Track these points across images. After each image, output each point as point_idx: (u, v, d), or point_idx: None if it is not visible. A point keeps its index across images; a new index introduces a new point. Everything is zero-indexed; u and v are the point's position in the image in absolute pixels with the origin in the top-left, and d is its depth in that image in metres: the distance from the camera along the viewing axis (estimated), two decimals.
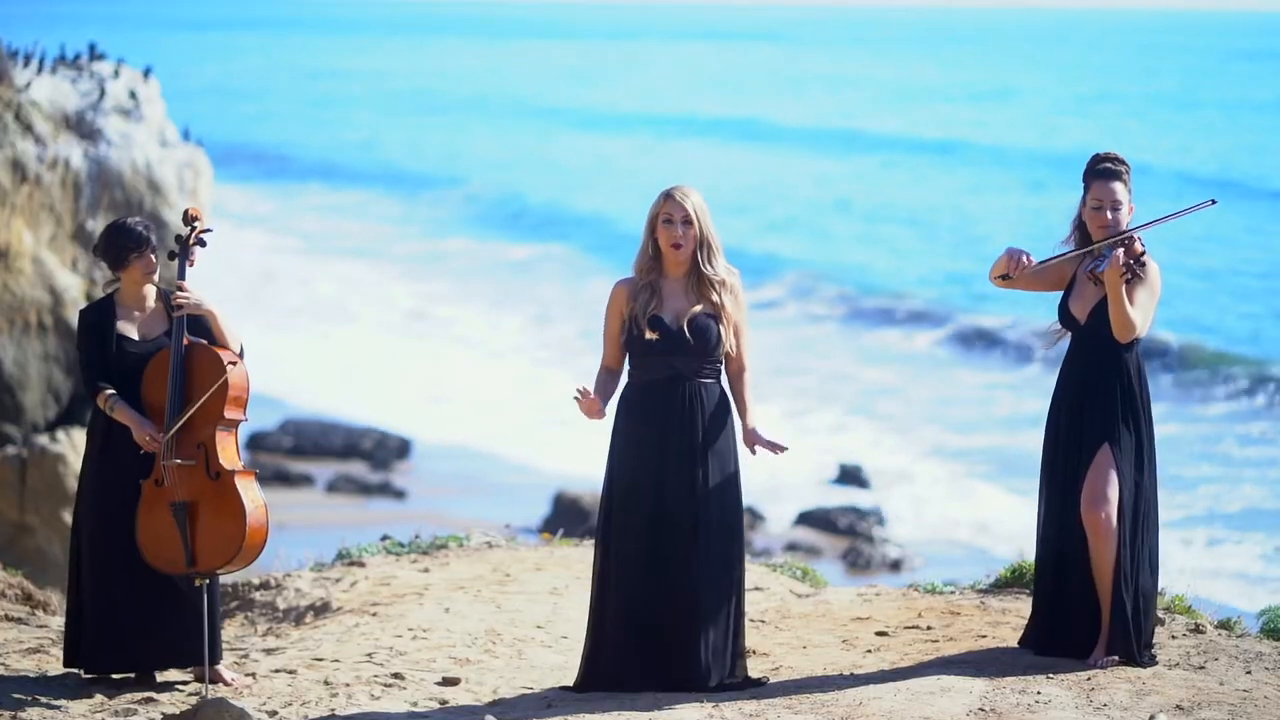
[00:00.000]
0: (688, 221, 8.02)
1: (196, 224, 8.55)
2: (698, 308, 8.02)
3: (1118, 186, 8.18)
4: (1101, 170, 8.22)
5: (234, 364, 8.26)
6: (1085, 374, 8.20)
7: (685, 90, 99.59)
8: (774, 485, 27.20)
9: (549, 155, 70.04)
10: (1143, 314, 8.09)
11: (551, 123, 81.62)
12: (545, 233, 52.42)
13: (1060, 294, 8.37)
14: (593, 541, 9.13)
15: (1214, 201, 8.43)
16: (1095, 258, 8.13)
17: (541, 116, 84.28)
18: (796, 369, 35.43)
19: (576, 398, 7.92)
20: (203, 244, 8.55)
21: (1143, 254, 8.07)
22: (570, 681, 8.26)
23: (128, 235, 8.41)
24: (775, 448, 8.00)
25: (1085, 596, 8.12)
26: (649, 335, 7.99)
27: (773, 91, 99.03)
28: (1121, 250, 8.01)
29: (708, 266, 8.04)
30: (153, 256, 8.44)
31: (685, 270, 8.06)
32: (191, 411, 8.18)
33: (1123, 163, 8.24)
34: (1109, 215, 8.16)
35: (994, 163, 65.20)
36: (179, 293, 8.35)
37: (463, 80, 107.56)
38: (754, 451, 8.03)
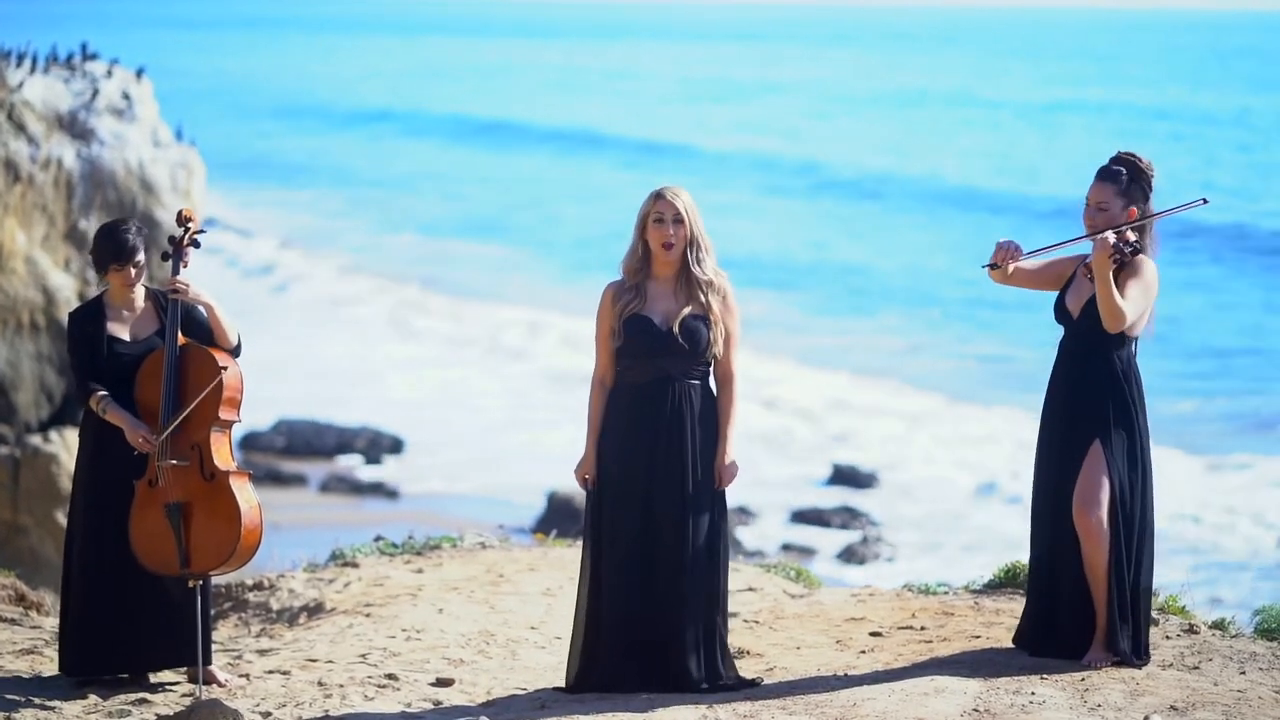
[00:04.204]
0: (679, 220, 8.00)
1: (190, 225, 8.50)
2: (687, 309, 8.00)
3: (1107, 187, 8.17)
4: (1100, 170, 8.23)
5: (226, 368, 8.22)
6: (1077, 370, 8.19)
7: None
8: (767, 484, 27.23)
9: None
10: (1134, 307, 8.05)
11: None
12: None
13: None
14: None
15: (1205, 200, 8.39)
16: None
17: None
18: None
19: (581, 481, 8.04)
20: (197, 245, 8.51)
21: (1136, 241, 8.07)
22: (564, 682, 8.25)
23: (110, 245, 8.32)
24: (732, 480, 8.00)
25: (1078, 596, 8.11)
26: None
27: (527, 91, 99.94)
28: (1111, 232, 7.98)
29: (696, 267, 8.01)
30: (132, 270, 8.31)
31: (674, 270, 8.04)
32: (187, 412, 8.15)
33: (1126, 164, 8.19)
34: (1094, 216, 8.16)
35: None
36: (177, 282, 8.28)
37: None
38: (718, 479, 7.98)
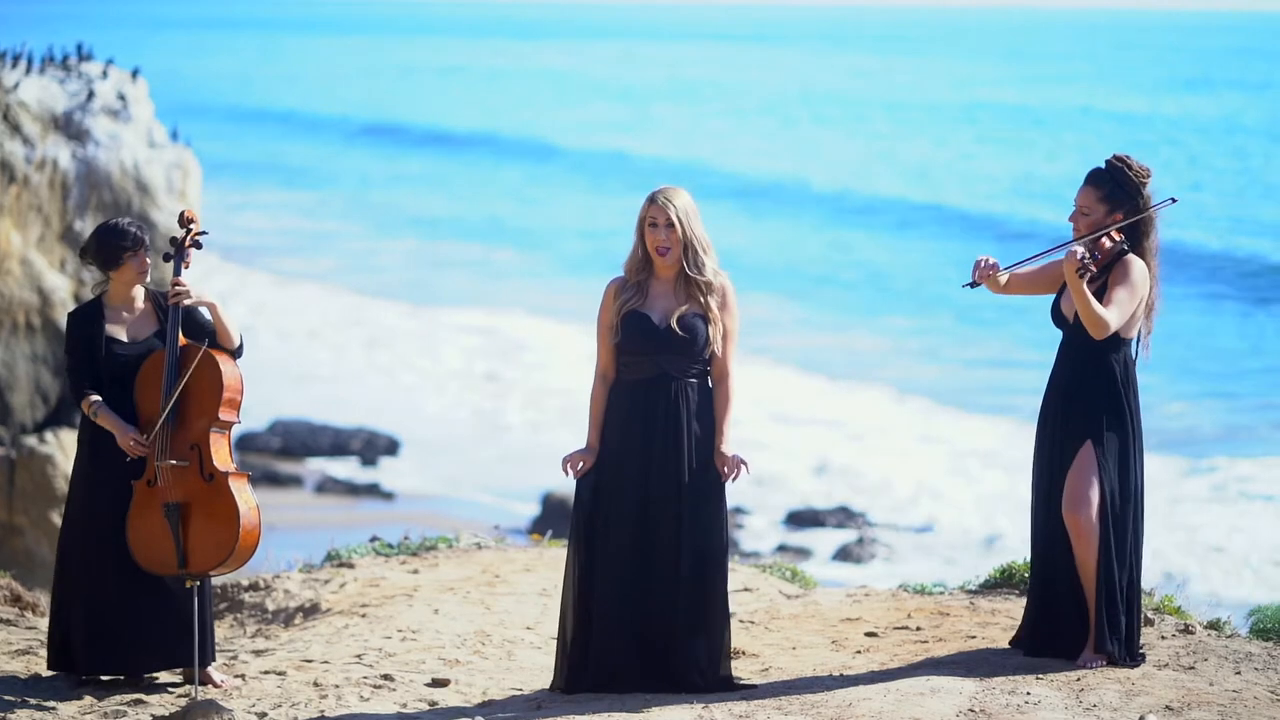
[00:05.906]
0: (671, 225, 8.02)
1: (192, 226, 8.50)
2: (685, 307, 8.02)
3: (1091, 191, 8.18)
4: (1089, 174, 8.24)
5: (224, 354, 8.22)
6: (1071, 373, 8.21)
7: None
8: (763, 485, 27.23)
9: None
10: (1119, 311, 8.05)
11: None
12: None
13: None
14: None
15: (1174, 200, 8.37)
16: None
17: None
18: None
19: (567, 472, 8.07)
20: (198, 246, 8.51)
21: (1120, 243, 8.07)
22: (552, 682, 8.24)
23: (121, 235, 8.36)
24: (738, 471, 8.02)
25: (1073, 597, 8.13)
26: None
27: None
28: (1080, 245, 8.00)
29: (693, 268, 8.04)
30: (146, 256, 8.41)
31: (674, 271, 8.08)
32: (179, 389, 8.11)
33: (1113, 169, 8.18)
34: (1078, 220, 8.19)
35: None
36: (176, 285, 8.28)
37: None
38: (723, 473, 8.02)
